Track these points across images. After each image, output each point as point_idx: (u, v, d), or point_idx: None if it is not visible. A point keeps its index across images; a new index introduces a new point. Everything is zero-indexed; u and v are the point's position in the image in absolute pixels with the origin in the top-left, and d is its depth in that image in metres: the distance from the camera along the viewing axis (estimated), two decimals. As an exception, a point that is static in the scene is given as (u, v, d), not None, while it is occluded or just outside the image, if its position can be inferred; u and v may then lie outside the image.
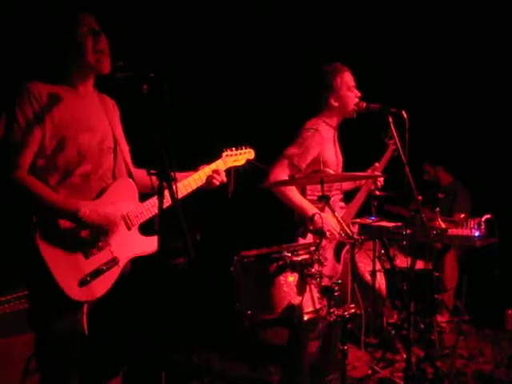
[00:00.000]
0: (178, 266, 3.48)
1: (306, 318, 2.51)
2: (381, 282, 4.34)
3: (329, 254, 3.04)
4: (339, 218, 2.68)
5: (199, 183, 2.50)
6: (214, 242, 4.20)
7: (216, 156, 2.66)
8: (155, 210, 2.29)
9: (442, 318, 4.43)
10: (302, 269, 2.54)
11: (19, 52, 3.28)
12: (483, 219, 3.50)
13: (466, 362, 3.89)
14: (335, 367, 3.09)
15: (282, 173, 3.04)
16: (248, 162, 2.76)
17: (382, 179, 3.31)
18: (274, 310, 2.51)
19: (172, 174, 2.01)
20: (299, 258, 2.56)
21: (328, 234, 2.97)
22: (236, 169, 2.70)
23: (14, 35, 3.37)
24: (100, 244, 2.21)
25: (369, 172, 3.33)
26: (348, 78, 3.15)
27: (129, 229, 2.29)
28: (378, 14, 4.88)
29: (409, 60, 4.93)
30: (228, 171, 2.65)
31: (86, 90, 2.30)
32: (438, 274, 4.12)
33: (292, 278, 2.54)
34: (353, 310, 2.54)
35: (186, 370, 3.61)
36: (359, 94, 3.16)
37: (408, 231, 3.50)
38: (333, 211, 2.67)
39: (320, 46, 4.65)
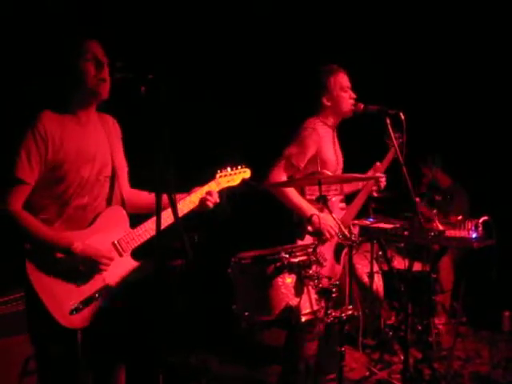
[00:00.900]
0: (175, 268, 3.48)
1: (303, 319, 2.51)
2: (378, 283, 4.36)
3: (328, 254, 3.04)
4: (337, 219, 2.69)
5: (192, 206, 2.48)
6: (211, 244, 4.20)
7: (212, 165, 2.64)
8: (146, 236, 2.32)
9: (439, 320, 4.44)
10: (299, 270, 2.54)
11: (24, 76, 3.27)
12: (480, 221, 3.50)
13: (463, 363, 3.90)
14: (332, 368, 3.10)
15: (280, 173, 3.04)
16: (244, 181, 2.72)
17: (384, 180, 3.29)
18: (272, 311, 2.51)
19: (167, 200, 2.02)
20: (297, 260, 2.55)
21: (326, 234, 2.97)
22: (229, 193, 2.66)
23: (17, 56, 3.36)
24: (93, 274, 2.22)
25: (370, 172, 3.32)
26: (342, 79, 3.16)
27: (120, 255, 2.30)
28: (376, 15, 4.89)
29: (407, 62, 4.94)
30: (221, 194, 2.61)
31: (88, 118, 2.30)
32: (435, 276, 4.14)
33: (290, 279, 2.54)
34: (350, 312, 2.54)
35: (184, 371, 3.61)
36: (354, 96, 3.16)
37: (405, 233, 3.52)
38: (330, 212, 2.68)
39: (319, 47, 4.65)
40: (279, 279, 2.53)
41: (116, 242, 2.29)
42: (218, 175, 2.63)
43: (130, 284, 2.30)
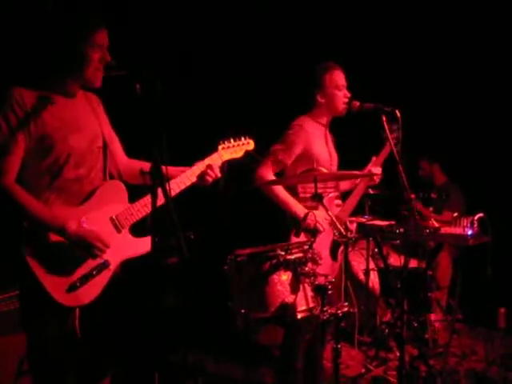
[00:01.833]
0: (171, 266, 3.47)
1: (299, 316, 2.51)
2: (374, 280, 4.37)
3: (324, 252, 3.03)
4: (333, 217, 2.68)
5: (193, 179, 2.41)
6: (207, 242, 4.19)
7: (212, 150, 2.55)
8: (145, 211, 2.26)
9: (435, 317, 4.45)
10: (295, 267, 2.54)
11: (12, 57, 3.26)
12: (476, 218, 3.51)
13: (458, 360, 3.92)
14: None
15: (267, 170, 3.02)
16: (247, 153, 2.63)
17: (378, 177, 3.29)
18: (268, 308, 2.51)
19: (165, 172, 2.00)
20: (293, 257, 2.55)
21: (320, 228, 2.95)
22: (229, 162, 2.56)
23: (13, 39, 3.34)
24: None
25: (368, 167, 3.31)
26: (338, 77, 3.14)
27: (118, 231, 2.26)
28: (373, 14, 4.90)
29: (403, 60, 4.95)
30: (222, 165, 2.52)
31: (75, 91, 2.27)
32: (431, 273, 4.15)
33: (285, 276, 2.53)
34: (346, 309, 2.55)
35: (180, 370, 3.60)
36: (349, 95, 3.15)
37: (401, 230, 3.52)
38: (326, 209, 2.67)
39: (316, 45, 4.65)
40: (275, 276, 2.53)
41: (114, 217, 2.24)
42: (220, 147, 2.54)
43: (128, 267, 2.27)
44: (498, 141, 4.90)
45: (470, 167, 4.87)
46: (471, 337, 4.39)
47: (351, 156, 3.23)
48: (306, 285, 2.54)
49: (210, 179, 2.44)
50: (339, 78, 3.15)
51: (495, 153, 4.93)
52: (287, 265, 2.54)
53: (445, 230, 3.47)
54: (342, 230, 2.63)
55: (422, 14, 4.84)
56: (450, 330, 4.10)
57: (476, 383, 3.56)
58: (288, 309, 2.50)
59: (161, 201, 2.04)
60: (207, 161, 2.48)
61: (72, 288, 2.11)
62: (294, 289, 2.53)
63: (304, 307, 2.52)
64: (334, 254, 3.05)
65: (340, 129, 3.34)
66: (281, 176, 3.11)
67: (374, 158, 3.32)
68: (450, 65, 4.95)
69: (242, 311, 2.56)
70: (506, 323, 4.11)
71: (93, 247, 2.14)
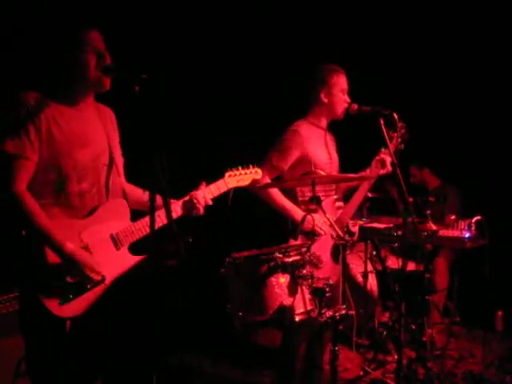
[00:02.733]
0: (169, 268, 3.47)
1: (297, 318, 2.51)
2: (372, 283, 4.36)
3: (325, 256, 3.02)
4: (330, 219, 2.69)
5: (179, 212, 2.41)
6: (206, 245, 4.20)
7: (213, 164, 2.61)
8: (146, 230, 2.27)
9: (432, 320, 4.45)
10: (293, 270, 2.55)
11: (21, 65, 3.26)
12: (473, 220, 3.52)
13: (456, 362, 3.92)
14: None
15: (263, 176, 3.01)
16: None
17: (388, 160, 3.14)
18: (266, 311, 2.51)
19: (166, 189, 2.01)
20: (290, 260, 2.56)
21: (319, 231, 2.95)
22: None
23: (16, 46, 3.35)
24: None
25: (374, 162, 3.26)
26: (342, 81, 3.17)
27: (118, 248, 2.27)
28: (370, 15, 4.91)
29: (398, 64, 4.96)
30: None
31: (86, 105, 2.27)
32: (429, 276, 4.15)
33: (283, 279, 2.54)
34: (344, 311, 2.55)
35: (178, 372, 3.60)
36: (348, 100, 3.17)
37: (399, 233, 3.53)
38: (324, 212, 2.67)
39: (315, 47, 4.66)
40: (273, 279, 2.54)
41: (114, 235, 2.26)
42: (226, 174, 2.56)
43: (124, 279, 2.26)
44: (493, 143, 4.91)
45: (467, 169, 4.88)
46: (469, 339, 4.40)
47: (354, 159, 3.22)
48: (303, 287, 2.55)
49: (200, 208, 2.42)
50: (343, 81, 3.18)
51: (492, 155, 4.93)
52: (285, 267, 2.55)
53: (442, 232, 3.48)
54: (340, 233, 2.64)
55: (417, 15, 4.85)
56: (448, 333, 4.10)
57: (473, 386, 3.57)
58: (286, 311, 2.50)
59: (161, 222, 2.11)
60: (212, 187, 2.49)
61: (66, 300, 2.10)
62: (292, 291, 2.53)
63: (302, 310, 2.53)
64: (335, 256, 3.04)
65: (343, 131, 3.34)
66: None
67: (382, 151, 3.26)
68: (443, 66, 4.95)
69: (240, 314, 2.57)
70: (504, 326, 4.12)
71: (84, 274, 2.13)
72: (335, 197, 3.19)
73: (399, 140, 3.15)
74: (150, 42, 4.12)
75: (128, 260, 2.30)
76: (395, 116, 2.98)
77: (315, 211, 2.94)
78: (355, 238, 3.20)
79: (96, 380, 2.37)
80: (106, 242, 2.24)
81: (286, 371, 2.97)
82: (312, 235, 2.89)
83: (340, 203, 3.23)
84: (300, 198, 3.10)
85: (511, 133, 4.80)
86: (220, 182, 2.54)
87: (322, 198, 2.86)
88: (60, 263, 2.10)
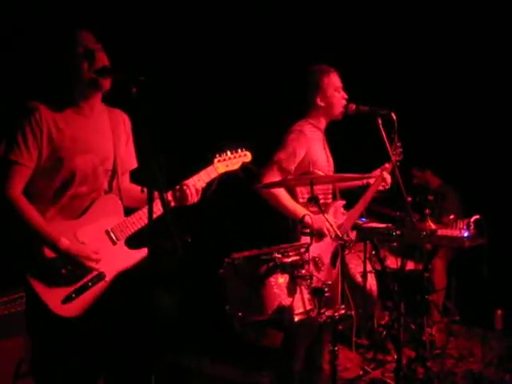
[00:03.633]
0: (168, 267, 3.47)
1: (296, 319, 2.51)
2: (372, 283, 4.37)
3: (326, 258, 3.02)
4: (328, 219, 2.69)
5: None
6: (204, 245, 4.20)
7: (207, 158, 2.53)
8: (141, 224, 2.29)
9: (432, 319, 4.45)
10: (292, 270, 2.55)
11: (23, 71, 3.26)
12: (472, 220, 3.52)
13: (455, 361, 3.92)
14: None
15: (273, 178, 3.00)
16: (243, 165, 2.61)
17: (388, 178, 3.21)
18: (265, 311, 2.51)
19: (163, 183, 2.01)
20: (289, 260, 2.56)
21: (325, 232, 2.93)
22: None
23: (17, 53, 3.35)
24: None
25: (378, 171, 3.28)
26: (335, 79, 3.15)
27: (114, 243, 2.28)
28: (367, 15, 4.91)
29: (397, 63, 4.96)
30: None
31: (92, 109, 2.28)
32: (427, 275, 4.15)
33: (282, 279, 2.54)
34: (343, 311, 2.55)
35: (177, 373, 3.60)
36: (346, 96, 3.15)
37: (398, 232, 3.53)
38: (322, 211, 2.67)
39: (311, 47, 4.66)
40: (272, 279, 2.54)
41: (109, 230, 2.27)
42: (215, 160, 2.52)
43: (124, 274, 2.27)
44: (492, 142, 4.92)
45: (466, 170, 4.88)
46: (468, 338, 4.40)
47: (351, 160, 3.22)
48: (302, 287, 2.55)
49: (188, 198, 2.39)
50: (336, 79, 3.16)
51: (491, 155, 4.94)
52: (284, 268, 2.55)
53: (441, 232, 3.49)
54: (338, 233, 2.64)
55: (414, 15, 4.86)
56: (447, 332, 4.10)
57: (473, 385, 3.57)
58: (285, 311, 2.50)
59: (157, 212, 2.11)
60: (202, 174, 2.46)
61: (68, 299, 2.14)
62: (291, 291, 2.53)
63: (301, 310, 2.53)
64: (333, 260, 3.05)
65: (340, 132, 3.34)
66: None
67: (386, 165, 3.28)
68: (443, 66, 4.95)
69: (239, 314, 2.57)
70: (503, 324, 4.12)
71: (82, 265, 2.16)
72: (341, 202, 3.17)
73: (400, 150, 3.17)
74: (149, 42, 4.12)
75: (127, 255, 2.30)
76: (393, 116, 2.98)
77: (318, 213, 2.94)
78: (349, 239, 3.19)
79: (98, 379, 2.40)
80: (102, 238, 2.25)
81: (285, 371, 2.97)
82: (314, 236, 2.88)
83: (343, 210, 3.23)
84: (300, 200, 3.09)
85: (511, 133, 4.80)
86: (210, 168, 2.49)
87: (320, 198, 2.87)
88: (57, 258, 2.13)
